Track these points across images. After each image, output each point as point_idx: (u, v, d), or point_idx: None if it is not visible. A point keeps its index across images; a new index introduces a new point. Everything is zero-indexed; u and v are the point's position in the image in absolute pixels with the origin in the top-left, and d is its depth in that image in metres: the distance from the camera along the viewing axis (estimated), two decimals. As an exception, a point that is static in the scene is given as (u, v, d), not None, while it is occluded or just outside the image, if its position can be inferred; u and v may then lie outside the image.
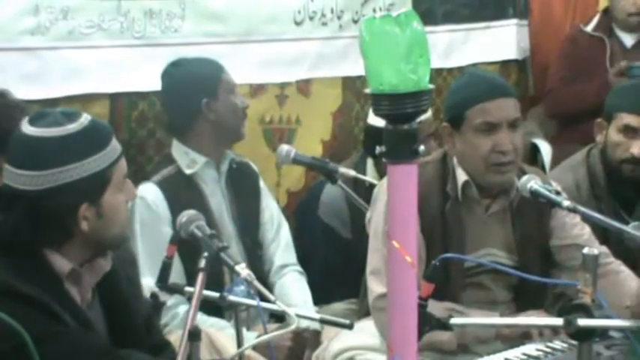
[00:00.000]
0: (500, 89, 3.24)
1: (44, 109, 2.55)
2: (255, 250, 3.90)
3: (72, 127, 2.43)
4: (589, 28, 5.60)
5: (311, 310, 3.71)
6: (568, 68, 5.56)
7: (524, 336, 3.07)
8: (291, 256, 4.00)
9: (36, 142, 2.42)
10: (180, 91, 3.84)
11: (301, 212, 4.50)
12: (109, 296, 2.59)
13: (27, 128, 2.45)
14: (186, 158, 3.81)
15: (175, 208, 3.61)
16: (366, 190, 3.93)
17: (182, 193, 3.71)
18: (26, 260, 2.42)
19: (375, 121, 4.03)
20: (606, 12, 5.63)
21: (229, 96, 3.85)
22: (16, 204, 2.42)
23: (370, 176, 4.12)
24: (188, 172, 3.78)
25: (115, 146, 2.50)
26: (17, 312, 2.23)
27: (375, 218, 3.22)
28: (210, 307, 3.31)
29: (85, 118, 2.47)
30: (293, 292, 3.87)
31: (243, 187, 3.93)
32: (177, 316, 3.58)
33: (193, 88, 3.82)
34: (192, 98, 3.81)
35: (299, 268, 4.01)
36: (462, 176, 3.23)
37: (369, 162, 4.33)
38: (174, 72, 3.85)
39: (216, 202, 3.81)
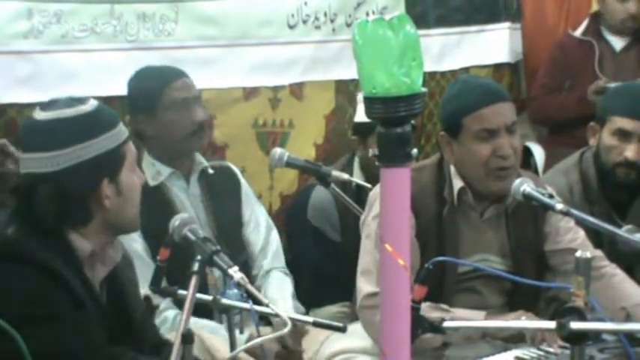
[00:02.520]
0: (495, 94, 3.23)
1: (52, 98, 2.57)
2: (237, 254, 3.86)
3: (84, 108, 2.49)
4: (578, 33, 5.60)
5: (289, 305, 3.73)
6: (552, 76, 5.59)
7: (512, 338, 3.07)
8: (280, 262, 3.97)
9: (51, 124, 2.46)
10: (127, 105, 3.86)
11: (290, 216, 4.48)
12: (115, 293, 2.62)
13: (39, 114, 2.49)
14: (153, 170, 3.77)
15: (143, 221, 3.61)
16: (354, 192, 3.94)
17: (150, 204, 3.66)
18: (50, 239, 2.45)
19: (362, 118, 4.02)
20: (595, 16, 5.64)
21: (170, 112, 3.74)
22: (38, 188, 2.44)
23: (357, 178, 4.11)
24: (152, 183, 3.70)
25: (123, 127, 2.57)
26: (40, 283, 2.35)
27: (370, 221, 3.22)
28: (200, 310, 3.30)
29: (93, 101, 2.55)
30: (271, 288, 3.83)
31: (221, 192, 3.88)
32: (167, 320, 3.57)
33: (132, 103, 3.83)
34: (132, 114, 3.82)
35: (285, 270, 3.98)
36: (458, 183, 3.23)
37: (356, 163, 4.33)
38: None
39: (188, 211, 3.76)
